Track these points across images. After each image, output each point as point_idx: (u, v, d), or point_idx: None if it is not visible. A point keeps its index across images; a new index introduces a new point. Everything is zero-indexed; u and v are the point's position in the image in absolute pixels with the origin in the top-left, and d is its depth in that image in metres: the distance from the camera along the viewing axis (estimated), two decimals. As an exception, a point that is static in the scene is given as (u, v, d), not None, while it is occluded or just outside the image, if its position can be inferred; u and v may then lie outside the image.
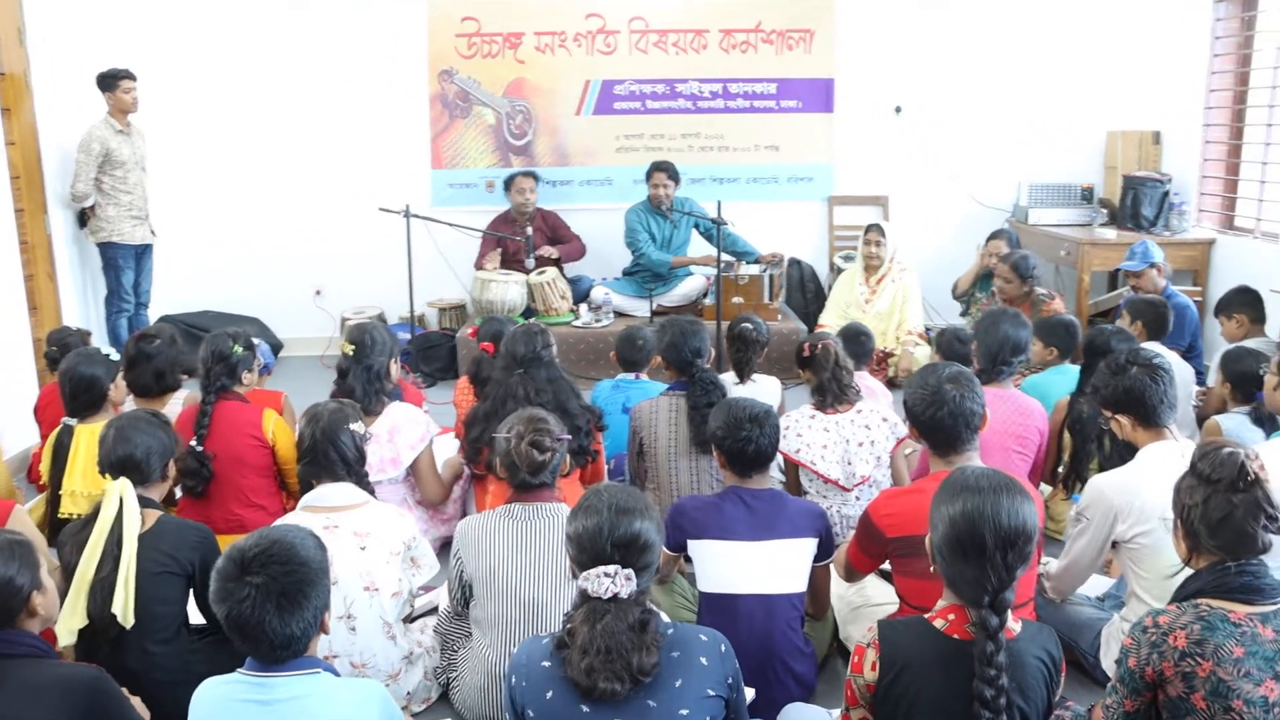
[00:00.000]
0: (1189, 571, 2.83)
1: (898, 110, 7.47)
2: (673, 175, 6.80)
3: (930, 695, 2.14)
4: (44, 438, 4.58)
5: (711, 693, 2.13)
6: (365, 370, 3.94)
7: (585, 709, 2.07)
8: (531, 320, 4.12)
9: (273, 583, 2.05)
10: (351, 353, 3.94)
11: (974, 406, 2.89)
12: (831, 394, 3.86)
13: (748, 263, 6.82)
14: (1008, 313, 4.20)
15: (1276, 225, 6.10)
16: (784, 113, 7.49)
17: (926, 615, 2.24)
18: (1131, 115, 7.27)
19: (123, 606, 2.70)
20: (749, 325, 4.48)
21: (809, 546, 2.99)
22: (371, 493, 3.08)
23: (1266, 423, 3.91)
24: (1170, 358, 4.17)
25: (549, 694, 2.10)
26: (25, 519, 3.11)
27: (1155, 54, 7.08)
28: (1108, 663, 3.08)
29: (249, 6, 7.12)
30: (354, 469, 3.03)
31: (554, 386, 3.92)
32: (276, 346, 7.17)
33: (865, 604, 3.36)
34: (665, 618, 2.19)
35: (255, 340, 4.17)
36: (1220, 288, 6.36)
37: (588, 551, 2.15)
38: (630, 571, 2.10)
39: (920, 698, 2.15)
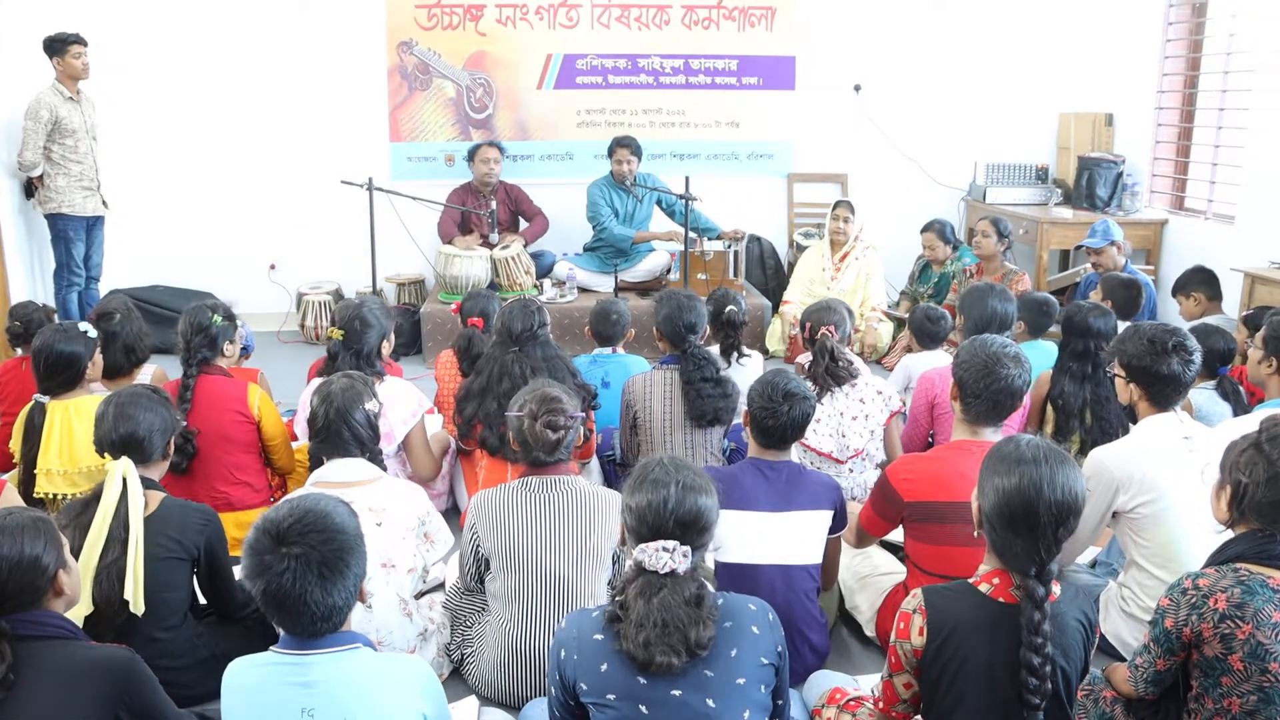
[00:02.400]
0: (1190, 539, 2.95)
1: (857, 89, 7.52)
2: (635, 151, 6.76)
3: (977, 659, 2.17)
4: (3, 415, 4.42)
5: (765, 661, 2.13)
6: (354, 355, 3.84)
7: (643, 681, 2.05)
8: (527, 296, 4.06)
9: (312, 551, 1.98)
10: (341, 337, 3.84)
11: (1023, 387, 2.98)
12: (824, 385, 3.87)
13: (709, 239, 6.82)
14: (994, 288, 4.27)
15: (1228, 206, 6.28)
16: (745, 89, 7.49)
17: (971, 580, 2.27)
18: (1084, 97, 7.41)
19: (134, 593, 2.62)
20: (735, 309, 4.46)
21: (825, 518, 3.01)
22: (383, 468, 3.01)
23: (1232, 397, 4.04)
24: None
25: (604, 666, 2.08)
26: (15, 496, 2.99)
27: (1108, 37, 7.22)
28: (1106, 628, 3.15)
29: (201, -29, 6.88)
30: (367, 446, 2.96)
31: (549, 364, 3.88)
32: (230, 322, 6.98)
33: (872, 573, 3.39)
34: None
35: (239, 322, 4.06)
36: (1172, 267, 6.57)
37: (648, 525, 2.11)
38: (688, 548, 2.08)
39: (968, 662, 2.18)
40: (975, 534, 2.33)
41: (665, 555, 2.06)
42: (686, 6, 7.30)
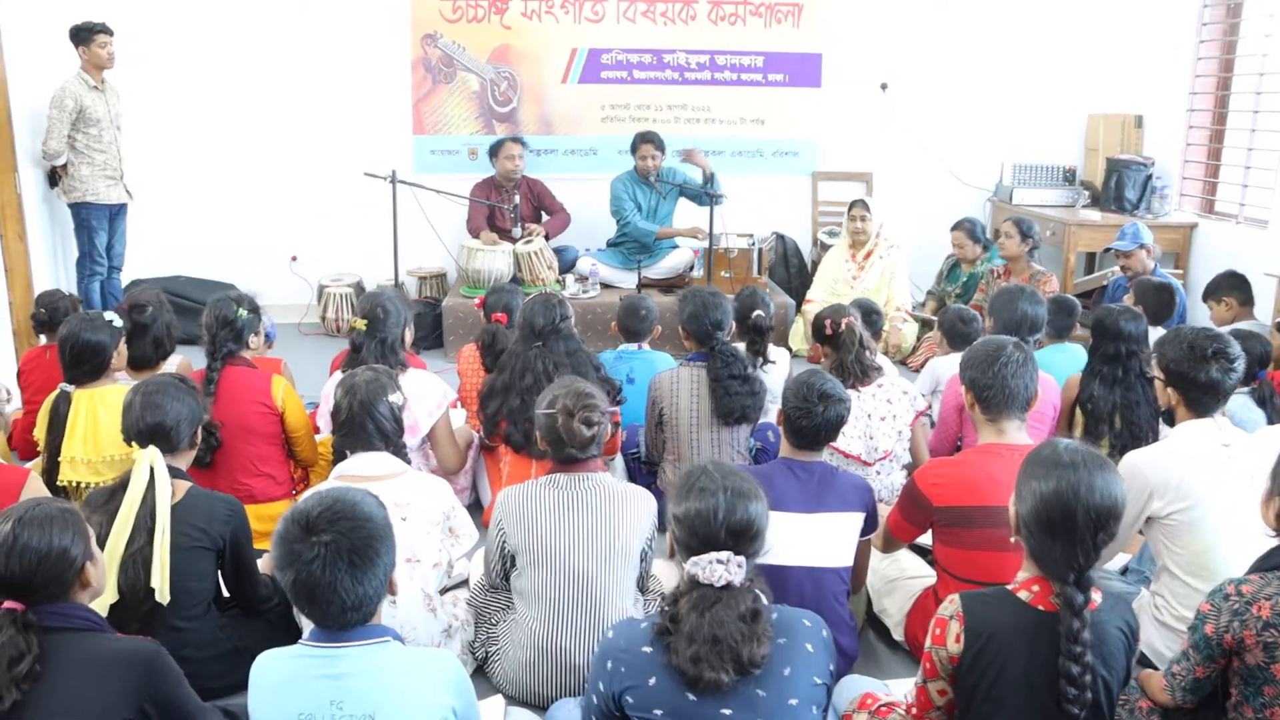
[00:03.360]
0: (1226, 548, 2.90)
1: (883, 87, 7.46)
2: (660, 146, 6.72)
3: (1016, 667, 2.13)
4: (27, 403, 4.42)
5: (818, 680, 2.08)
6: (379, 344, 3.82)
7: (692, 697, 2.00)
8: (549, 290, 4.02)
9: (342, 539, 1.96)
10: (364, 328, 3.81)
11: (1031, 370, 2.97)
12: (854, 375, 3.83)
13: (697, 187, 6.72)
14: (1024, 290, 4.21)
15: (1261, 210, 6.20)
16: (770, 86, 7.43)
17: (1009, 587, 2.23)
18: (1113, 98, 7.33)
19: (160, 582, 2.60)
20: (762, 314, 4.38)
21: (857, 520, 2.96)
22: (408, 461, 2.98)
23: (1268, 403, 3.97)
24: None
25: (652, 680, 2.03)
26: (40, 485, 2.98)
27: (1138, 39, 7.14)
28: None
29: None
30: (391, 440, 2.93)
31: (573, 359, 3.85)
32: (251, 314, 6.98)
33: (900, 576, 3.35)
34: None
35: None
36: (1201, 271, 6.49)
37: (699, 535, 2.06)
38: (742, 559, 2.04)
39: (1006, 669, 2.14)
40: (1013, 539, 2.28)
41: (720, 568, 2.01)
42: (713, 2, 7.26)
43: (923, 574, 3.35)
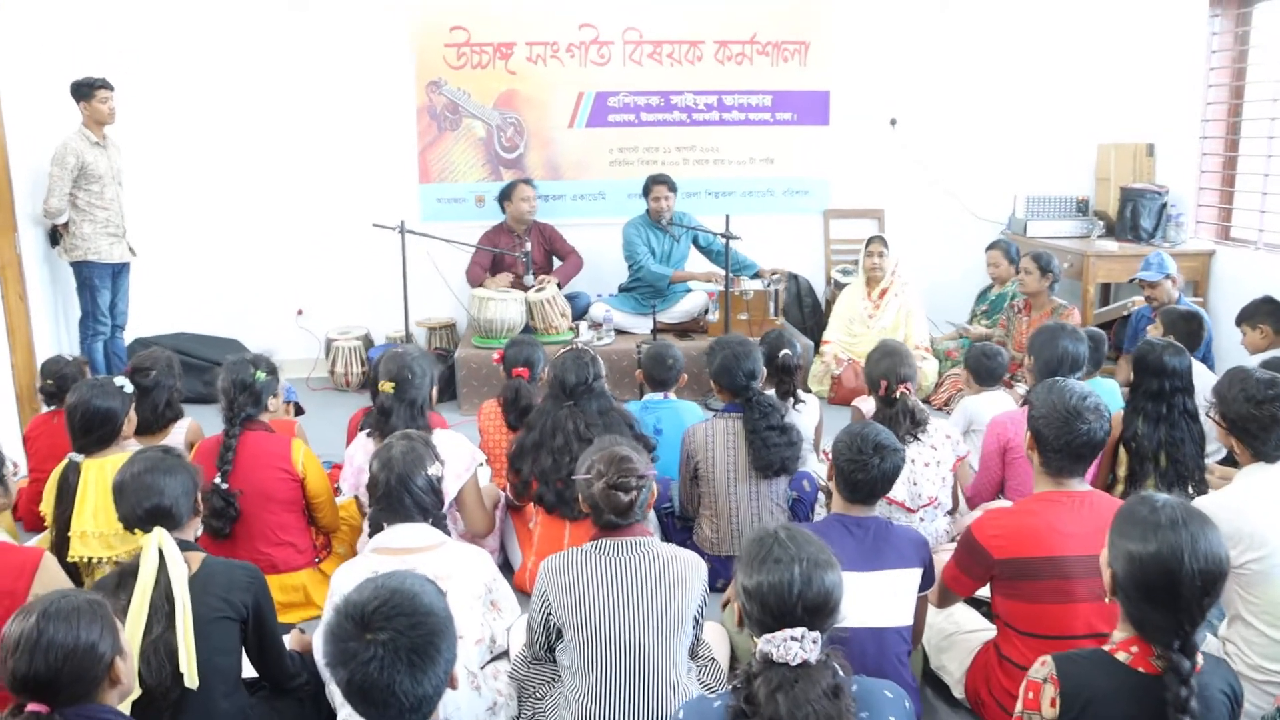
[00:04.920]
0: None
1: (893, 123, 7.39)
2: (672, 188, 6.64)
3: None
4: (32, 471, 4.27)
5: None
6: (409, 406, 3.67)
7: None
8: (579, 345, 3.90)
9: (400, 637, 1.82)
10: (393, 390, 3.66)
11: (1104, 439, 2.86)
12: (905, 430, 3.69)
13: (748, 277, 6.67)
14: (1065, 328, 4.09)
15: (1278, 236, 6.11)
16: (779, 125, 7.36)
17: (1106, 648, 2.12)
18: (1122, 128, 7.26)
19: (188, 666, 2.44)
20: (789, 354, 4.29)
21: (915, 576, 2.82)
22: (447, 533, 2.84)
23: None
24: (1197, 368, 4.15)
25: None
26: (57, 571, 2.81)
27: (1147, 68, 7.09)
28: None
29: (229, 15, 6.79)
30: (430, 512, 2.79)
31: (605, 419, 3.72)
32: (257, 369, 6.84)
33: (957, 631, 3.20)
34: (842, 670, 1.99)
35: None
36: (1220, 298, 6.40)
37: (772, 611, 1.94)
38: (818, 634, 1.90)
39: None
40: (1107, 600, 2.15)
41: (795, 645, 1.88)
42: (719, 42, 7.19)
43: (980, 628, 3.21)
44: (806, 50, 7.26)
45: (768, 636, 1.92)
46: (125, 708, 2.32)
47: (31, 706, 1.88)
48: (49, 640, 1.89)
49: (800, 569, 1.95)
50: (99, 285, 5.97)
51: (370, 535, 2.83)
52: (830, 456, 3.68)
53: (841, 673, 1.94)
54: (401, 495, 2.75)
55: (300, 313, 7.16)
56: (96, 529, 3.42)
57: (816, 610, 1.95)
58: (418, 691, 1.82)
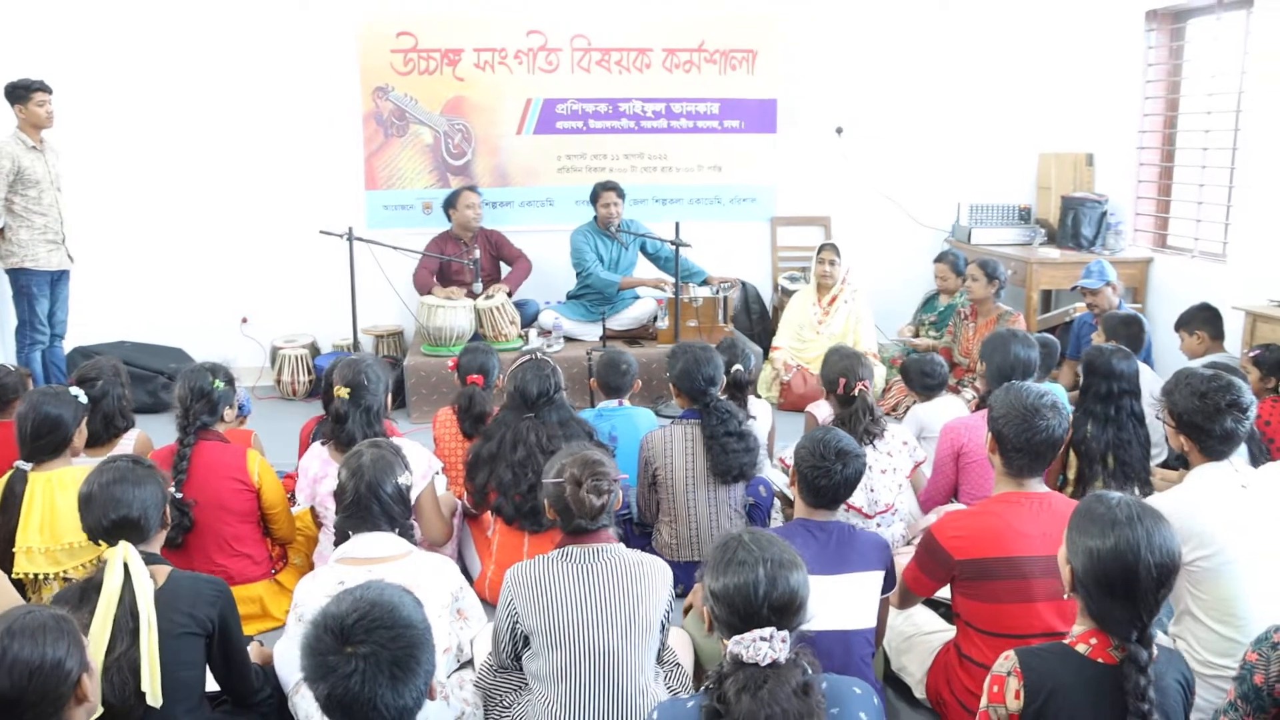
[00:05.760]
0: (1252, 593, 2.85)
1: (839, 131, 7.48)
2: (621, 194, 6.66)
3: None
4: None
5: None
6: (365, 412, 3.65)
7: None
8: (539, 355, 3.89)
9: (382, 650, 1.80)
10: (348, 395, 3.63)
11: (1063, 436, 2.91)
12: (863, 433, 3.74)
13: (696, 284, 6.71)
14: (1016, 334, 4.18)
15: (1213, 244, 6.30)
16: (727, 133, 7.41)
17: (1066, 641, 2.19)
18: (1063, 138, 7.43)
19: (151, 684, 2.39)
20: (741, 369, 4.32)
21: (878, 579, 2.87)
22: (414, 541, 2.82)
23: (1250, 439, 3.97)
24: (1143, 372, 4.30)
25: None
26: (8, 587, 2.74)
27: (1086, 80, 7.26)
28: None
29: (171, 17, 6.67)
30: (397, 521, 2.77)
31: (565, 429, 3.71)
32: (200, 378, 6.72)
33: (917, 633, 3.26)
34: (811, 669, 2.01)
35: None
36: (1158, 304, 6.57)
37: (740, 612, 1.96)
38: (786, 633, 1.93)
39: None
40: (1066, 596, 2.23)
41: (764, 645, 1.90)
42: (667, 50, 7.23)
43: (939, 629, 3.27)
44: (754, 59, 7.32)
45: (737, 638, 1.94)
46: (89, 726, 2.28)
47: (-5, 726, 1.83)
48: (14, 658, 1.83)
49: (765, 570, 1.98)
50: (37, 293, 5.84)
51: (336, 544, 2.80)
52: (786, 463, 3.75)
53: (810, 671, 1.97)
54: (370, 503, 2.73)
55: (245, 321, 7.05)
56: (43, 544, 3.34)
57: (783, 609, 1.98)
58: (399, 704, 1.81)
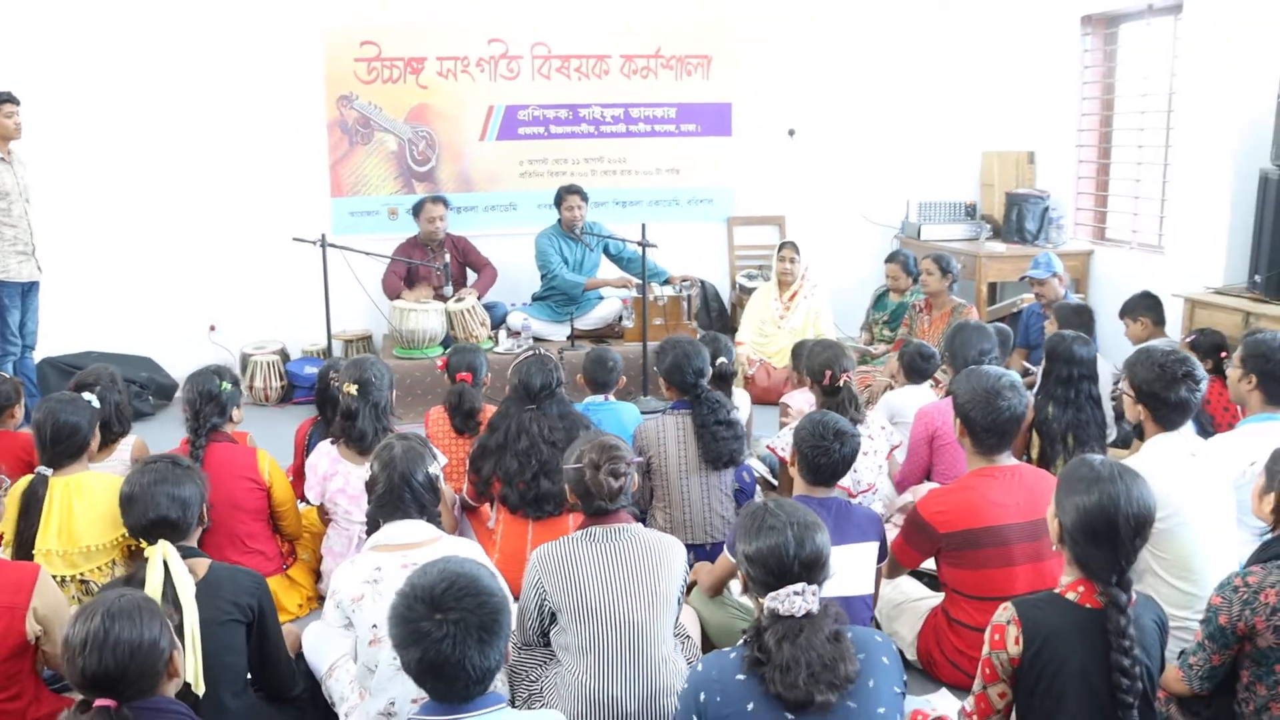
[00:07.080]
0: (1205, 550, 3.12)
1: (791, 133, 7.75)
2: (584, 197, 6.83)
3: (1072, 663, 2.31)
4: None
5: (896, 689, 2.21)
6: (373, 408, 3.79)
7: (791, 718, 2.08)
8: (541, 350, 4.07)
9: (470, 615, 1.98)
10: (356, 392, 3.77)
11: (1024, 412, 3.19)
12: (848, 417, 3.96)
13: (659, 284, 6.90)
14: (969, 324, 4.46)
15: (1150, 236, 6.66)
16: (684, 136, 7.64)
17: (1057, 590, 2.42)
18: (1004, 136, 7.77)
19: (194, 673, 2.51)
20: (725, 361, 4.48)
21: (874, 550, 3.10)
22: (442, 528, 2.97)
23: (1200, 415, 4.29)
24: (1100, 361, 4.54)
25: (750, 706, 2.12)
26: (54, 585, 2.85)
27: (1025, 82, 7.59)
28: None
29: (136, 27, 6.69)
30: (427, 509, 2.92)
31: (565, 421, 3.89)
32: (170, 387, 6.76)
33: (905, 600, 3.51)
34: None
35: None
36: (1099, 294, 6.92)
37: (773, 572, 2.17)
38: (816, 587, 2.14)
39: (1064, 666, 2.32)
40: (1054, 549, 2.47)
41: (798, 599, 2.12)
42: (625, 56, 7.43)
43: (925, 595, 3.52)
44: (709, 64, 7.56)
45: (773, 594, 2.15)
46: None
47: (100, 702, 1.97)
48: (116, 638, 1.98)
49: (793, 531, 2.20)
50: (8, 304, 5.83)
51: (368, 534, 2.94)
52: (775, 450, 3.97)
53: (838, 621, 2.18)
54: (403, 492, 2.87)
55: (213, 328, 7.09)
56: (61, 548, 3.41)
57: (812, 565, 2.19)
58: (484, 665, 1.98)
